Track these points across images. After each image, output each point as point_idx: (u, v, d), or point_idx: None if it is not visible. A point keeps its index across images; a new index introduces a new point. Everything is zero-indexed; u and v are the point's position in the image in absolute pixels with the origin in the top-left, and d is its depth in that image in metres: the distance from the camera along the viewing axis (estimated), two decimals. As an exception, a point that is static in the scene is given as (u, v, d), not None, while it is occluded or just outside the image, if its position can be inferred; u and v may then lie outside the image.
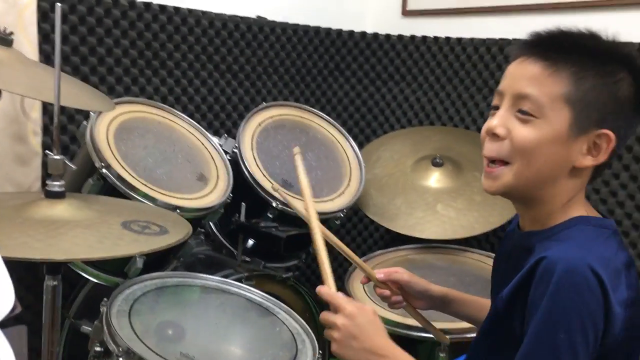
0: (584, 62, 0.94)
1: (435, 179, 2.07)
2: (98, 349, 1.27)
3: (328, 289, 1.06)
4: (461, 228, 1.92)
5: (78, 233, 0.98)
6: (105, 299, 1.33)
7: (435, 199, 2.01)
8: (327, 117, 2.12)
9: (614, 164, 1.87)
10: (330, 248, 1.20)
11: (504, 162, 0.98)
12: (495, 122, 0.98)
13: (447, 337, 1.43)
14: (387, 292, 1.29)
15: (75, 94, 1.27)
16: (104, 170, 1.50)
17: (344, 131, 2.10)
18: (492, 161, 0.99)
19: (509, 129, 0.97)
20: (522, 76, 0.96)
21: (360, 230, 2.53)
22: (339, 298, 1.03)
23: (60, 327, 1.17)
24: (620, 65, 0.96)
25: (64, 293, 1.82)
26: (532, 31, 1.00)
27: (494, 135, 0.98)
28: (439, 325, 1.53)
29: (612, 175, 1.89)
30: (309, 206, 1.18)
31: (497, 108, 1.00)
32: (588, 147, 0.96)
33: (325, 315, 1.04)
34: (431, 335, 1.56)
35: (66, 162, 1.17)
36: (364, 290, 1.81)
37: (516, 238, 1.08)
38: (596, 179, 1.03)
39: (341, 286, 1.82)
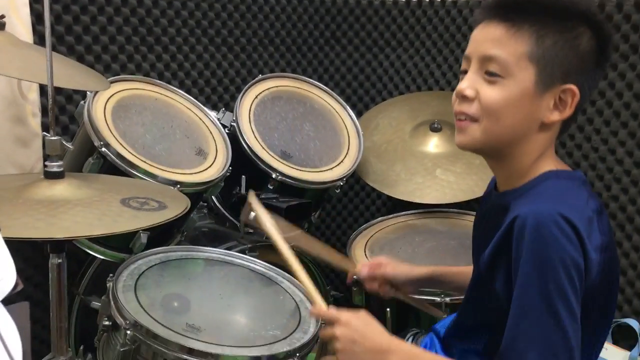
0: (545, 20, 0.97)
1: (433, 144, 2.08)
2: (107, 322, 1.30)
3: (319, 308, 1.10)
4: (461, 192, 1.93)
5: (78, 211, 1.01)
6: (111, 275, 1.36)
7: (434, 164, 2.02)
8: (324, 86, 2.12)
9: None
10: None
11: (474, 120, 1.01)
12: (464, 84, 1.01)
13: (442, 313, 1.48)
14: (375, 287, 1.35)
15: (70, 74, 1.28)
16: (103, 149, 1.51)
17: (341, 100, 2.11)
18: (462, 118, 1.02)
19: (477, 90, 1.00)
20: (486, 39, 0.99)
21: (362, 198, 2.55)
22: (331, 312, 1.07)
23: (67, 303, 1.20)
24: (580, 20, 0.98)
25: (73, 271, 1.89)
26: None
27: (463, 97, 1.01)
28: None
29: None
30: (277, 238, 1.21)
31: (465, 72, 1.03)
32: (554, 103, 0.99)
33: (324, 332, 1.08)
34: (434, 298, 1.60)
35: (63, 142, 1.18)
36: (365, 256, 1.84)
37: (493, 199, 1.11)
38: (564, 134, 1.06)
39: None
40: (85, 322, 1.80)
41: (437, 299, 1.59)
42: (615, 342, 1.90)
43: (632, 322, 1.87)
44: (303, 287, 1.15)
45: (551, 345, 0.90)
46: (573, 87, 0.98)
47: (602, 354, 1.86)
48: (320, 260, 1.34)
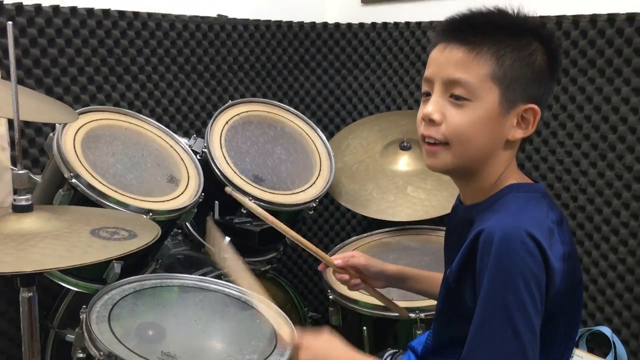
0: (501, 39, 1.00)
1: (404, 162, 2.12)
2: (81, 355, 1.30)
3: (284, 336, 1.14)
4: (432, 208, 1.96)
5: (47, 244, 1.01)
6: (84, 307, 1.35)
7: (405, 182, 2.06)
8: (293, 110, 2.14)
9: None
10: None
11: (444, 144, 1.03)
12: (430, 108, 1.02)
13: (409, 313, 1.51)
14: (346, 277, 1.35)
15: (37, 107, 1.28)
16: (73, 180, 1.51)
17: (311, 122, 2.13)
18: (432, 142, 1.04)
19: (444, 114, 1.02)
20: (448, 62, 1.01)
21: (337, 218, 2.57)
22: (295, 339, 1.09)
23: (39, 337, 1.18)
24: (532, 36, 1.02)
25: (47, 304, 1.87)
26: (447, 17, 1.06)
27: (430, 121, 1.03)
28: (416, 304, 1.59)
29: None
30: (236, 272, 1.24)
31: (428, 94, 1.05)
32: (517, 121, 1.03)
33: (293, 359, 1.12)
34: (410, 314, 1.62)
35: (31, 175, 1.19)
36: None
37: (459, 212, 1.14)
38: (523, 146, 1.11)
39: (318, 281, 1.86)
40: (61, 356, 1.78)
41: (412, 315, 1.61)
42: (590, 350, 1.93)
43: (604, 329, 1.90)
44: (269, 316, 1.17)
45: (508, 354, 0.93)
46: (534, 106, 1.02)
47: (578, 363, 1.90)
48: (298, 243, 1.34)
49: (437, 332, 1.18)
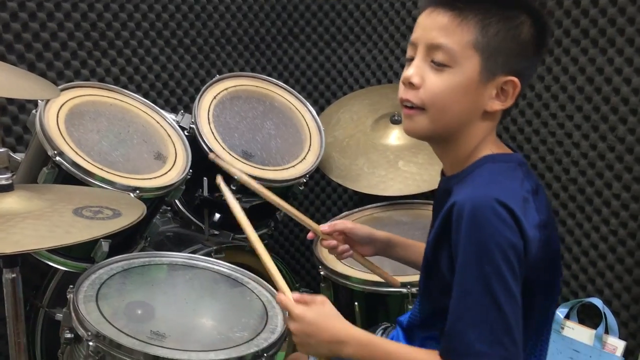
0: (488, 8, 0.99)
1: (395, 136, 2.09)
2: (68, 335, 1.28)
3: (283, 296, 1.09)
4: (423, 182, 1.95)
5: (28, 224, 0.98)
6: (71, 286, 1.33)
7: (396, 156, 2.03)
8: (283, 84, 2.11)
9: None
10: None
11: (420, 109, 1.03)
12: (411, 71, 1.02)
13: (398, 282, 1.48)
14: (333, 243, 1.33)
15: (16, 83, 1.24)
16: (57, 158, 1.48)
17: (301, 97, 2.10)
18: (409, 106, 1.04)
19: (423, 78, 1.01)
20: (432, 27, 1.01)
21: (329, 193, 2.56)
22: (289, 303, 1.07)
23: (29, 317, 1.17)
24: (521, 9, 1.01)
25: (36, 283, 1.85)
26: None
27: (410, 84, 1.02)
28: (407, 278, 1.58)
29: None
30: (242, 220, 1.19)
31: (412, 59, 1.04)
32: (496, 93, 1.02)
33: (286, 322, 1.10)
34: (400, 289, 1.62)
35: (11, 154, 1.15)
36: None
37: (441, 183, 1.14)
38: (505, 120, 1.10)
39: (310, 256, 1.85)
40: (51, 335, 1.77)
41: (404, 290, 1.61)
42: (581, 322, 1.94)
43: (596, 301, 1.91)
44: (269, 273, 1.12)
45: (490, 325, 0.93)
46: (514, 79, 1.01)
47: (569, 334, 1.91)
48: (286, 212, 1.33)
49: (421, 304, 1.18)
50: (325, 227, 1.33)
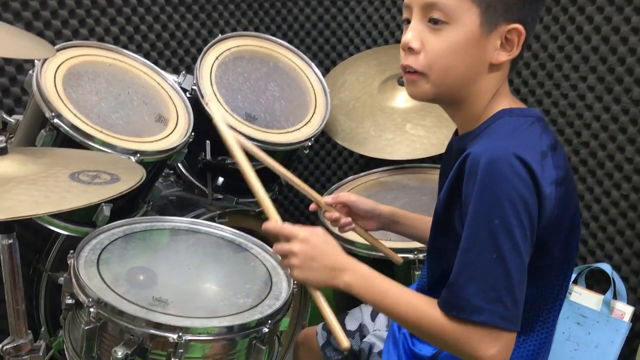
0: None
1: (402, 98, 2.03)
2: (69, 301, 1.26)
3: (274, 222, 1.07)
4: (431, 146, 1.90)
5: (23, 189, 0.94)
6: (71, 251, 1.31)
7: (403, 119, 1.98)
8: (287, 44, 2.04)
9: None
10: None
11: (422, 74, 0.98)
12: (409, 36, 0.98)
13: (400, 256, 1.44)
14: (335, 215, 1.31)
15: (10, 42, 1.19)
16: (55, 120, 1.44)
17: (306, 58, 2.04)
18: (410, 71, 1.00)
19: (423, 42, 0.97)
20: None
21: (334, 156, 2.52)
22: (288, 227, 1.05)
23: (27, 283, 1.15)
24: None
25: (38, 247, 1.84)
26: None
27: (409, 49, 0.98)
28: (414, 244, 1.56)
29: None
30: (234, 145, 1.16)
31: (408, 21, 1.00)
32: (501, 43, 0.98)
33: (279, 247, 1.06)
34: (407, 255, 1.59)
35: (4, 116, 1.11)
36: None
37: (454, 143, 1.09)
38: (513, 71, 1.05)
39: (315, 220, 1.82)
40: (55, 299, 1.76)
41: (410, 256, 1.58)
42: (589, 287, 1.92)
43: (604, 266, 1.88)
44: (258, 199, 1.09)
45: (492, 281, 0.90)
46: (518, 26, 0.96)
47: (577, 299, 1.89)
48: (288, 181, 1.30)
49: (430, 268, 1.15)
50: (328, 198, 1.30)
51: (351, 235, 1.69)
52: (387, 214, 1.32)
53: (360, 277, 1.02)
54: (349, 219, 1.31)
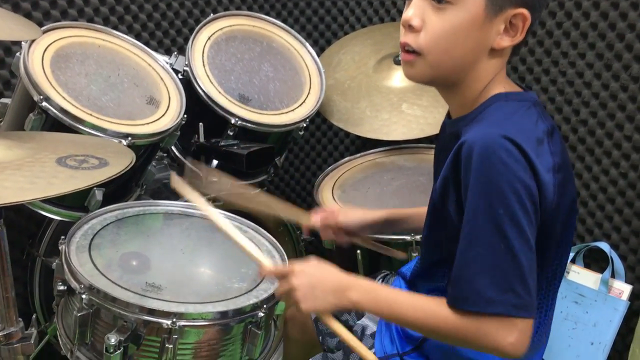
0: None
1: (398, 78, 2.00)
2: (61, 287, 1.24)
3: (267, 266, 1.09)
4: (428, 126, 1.87)
5: (7, 175, 0.91)
6: (62, 237, 1.29)
7: (399, 99, 1.95)
8: (281, 23, 2.00)
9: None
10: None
11: (419, 54, 0.96)
12: (410, 12, 0.95)
13: (404, 255, 1.46)
14: (331, 236, 1.33)
15: (-6, 24, 1.16)
16: (43, 104, 1.41)
17: (300, 37, 2.00)
18: (409, 50, 0.97)
19: (424, 20, 0.94)
20: None
21: (330, 137, 2.49)
22: (280, 267, 1.08)
23: (12, 272, 1.13)
24: None
25: (31, 232, 1.82)
26: None
27: (410, 27, 0.95)
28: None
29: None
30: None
31: None
32: (505, 27, 0.94)
33: (279, 290, 1.07)
34: (404, 237, 1.57)
35: (-12, 99, 1.08)
36: (333, 198, 1.79)
37: (447, 126, 1.07)
38: (514, 57, 1.03)
39: (312, 202, 1.81)
40: (49, 284, 1.74)
41: (407, 237, 1.56)
42: (587, 266, 1.91)
43: (603, 245, 1.87)
44: (245, 253, 1.13)
45: (502, 269, 0.88)
46: (524, 10, 0.93)
47: (575, 278, 1.88)
48: (276, 217, 1.32)
49: (425, 255, 1.14)
50: (317, 222, 1.32)
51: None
52: (380, 220, 1.32)
53: (365, 292, 1.01)
54: (345, 238, 1.34)
